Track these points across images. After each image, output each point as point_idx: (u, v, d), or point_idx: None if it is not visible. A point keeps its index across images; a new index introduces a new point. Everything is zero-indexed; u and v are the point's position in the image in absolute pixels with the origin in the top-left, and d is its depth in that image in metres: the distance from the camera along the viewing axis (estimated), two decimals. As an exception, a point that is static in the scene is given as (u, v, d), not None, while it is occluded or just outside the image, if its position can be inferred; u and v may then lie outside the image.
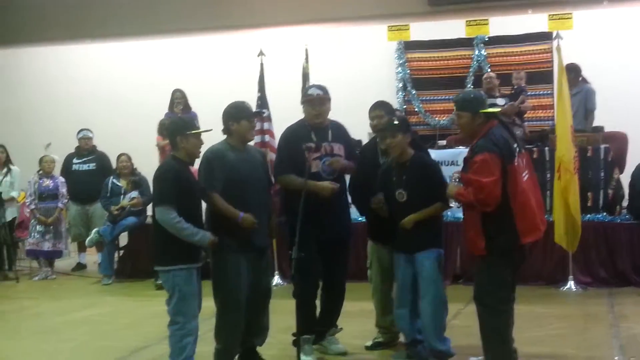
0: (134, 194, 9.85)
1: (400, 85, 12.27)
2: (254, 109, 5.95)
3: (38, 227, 10.24)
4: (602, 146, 8.93)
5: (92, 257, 10.71)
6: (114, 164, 10.34)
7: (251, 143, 5.79)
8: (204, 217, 5.35)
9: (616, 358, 5.64)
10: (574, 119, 8.52)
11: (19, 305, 8.62)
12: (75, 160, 10.81)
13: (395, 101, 11.91)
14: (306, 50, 10.04)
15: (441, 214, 5.68)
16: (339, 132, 5.89)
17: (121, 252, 10.32)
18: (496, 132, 4.98)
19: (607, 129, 9.48)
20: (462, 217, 5.32)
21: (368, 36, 12.38)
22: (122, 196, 9.89)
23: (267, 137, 9.00)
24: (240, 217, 5.17)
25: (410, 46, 12.22)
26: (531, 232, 4.99)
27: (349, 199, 6.01)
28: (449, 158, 8.79)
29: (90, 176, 10.59)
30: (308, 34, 11.88)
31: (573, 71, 9.42)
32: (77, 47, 13.75)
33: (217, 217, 5.27)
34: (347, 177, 6.03)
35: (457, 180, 5.04)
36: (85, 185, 10.49)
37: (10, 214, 10.42)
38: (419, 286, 5.39)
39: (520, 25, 11.77)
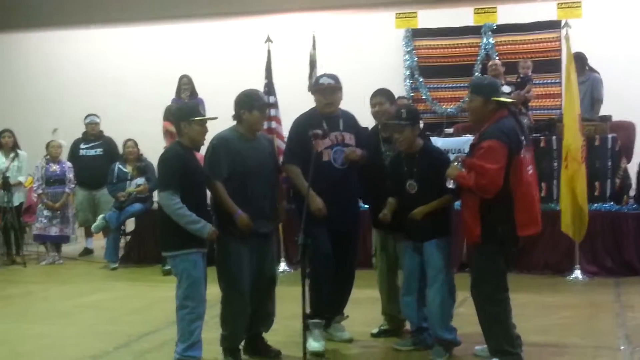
0: (141, 180, 9.85)
1: (408, 72, 12.25)
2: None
3: (45, 212, 10.28)
4: (610, 135, 8.91)
5: (99, 242, 10.74)
6: (120, 150, 10.36)
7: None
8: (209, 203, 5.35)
9: (622, 347, 5.64)
10: (580, 107, 8.49)
11: (26, 290, 8.66)
12: (82, 146, 10.84)
13: (402, 89, 11.90)
14: (313, 37, 10.02)
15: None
16: (350, 121, 5.86)
17: (128, 237, 10.35)
18: (506, 122, 4.97)
19: (615, 118, 9.46)
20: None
21: (376, 23, 12.36)
22: (128, 182, 9.90)
23: (273, 124, 8.97)
24: (237, 215, 5.15)
25: (418, 34, 12.19)
26: (530, 226, 4.99)
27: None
28: (456, 146, 8.77)
29: (97, 161, 10.62)
30: (316, 21, 11.85)
31: (579, 60, 9.36)
32: (84, 32, 13.76)
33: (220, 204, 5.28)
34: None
35: (460, 164, 5.01)
36: (92, 171, 10.51)
37: (17, 198, 10.45)
38: (426, 274, 5.39)
39: (529, 14, 11.72)
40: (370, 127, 6.11)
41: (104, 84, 13.43)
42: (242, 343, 5.48)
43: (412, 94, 12.06)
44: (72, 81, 13.68)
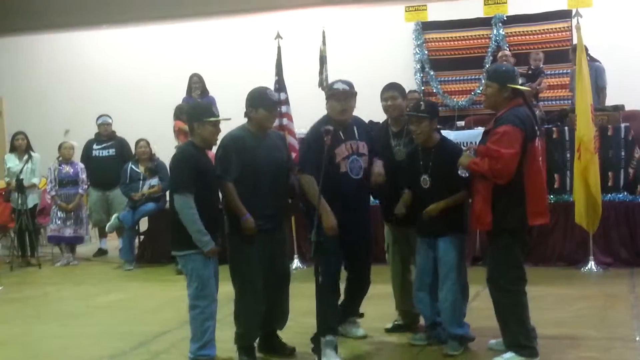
0: (154, 181, 9.86)
1: (418, 66, 12.23)
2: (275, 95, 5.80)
3: (59, 214, 10.31)
4: (623, 125, 8.85)
5: (114, 243, 10.77)
6: (133, 150, 10.38)
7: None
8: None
9: (637, 338, 5.62)
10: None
11: (41, 291, 8.71)
12: (95, 146, 10.86)
13: (413, 82, 11.88)
14: (323, 32, 10.01)
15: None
16: (363, 129, 5.73)
17: (141, 237, 10.39)
18: (521, 109, 4.98)
19: (627, 108, 9.39)
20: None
21: (385, 17, 12.34)
22: (140, 182, 9.92)
23: (285, 120, 8.94)
24: (244, 218, 5.13)
25: (427, 27, 12.16)
26: (540, 215, 5.01)
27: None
28: (468, 139, 8.72)
29: (110, 162, 10.64)
30: (325, 16, 11.85)
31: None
32: (94, 33, 13.83)
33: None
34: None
35: (472, 151, 5.01)
36: (105, 171, 10.53)
37: (31, 200, 10.49)
38: (439, 270, 5.37)
39: (539, 4, 11.67)
40: (381, 122, 6.08)
41: (114, 85, 13.48)
42: (257, 341, 5.49)
43: (422, 88, 12.04)
44: (83, 82, 13.75)
